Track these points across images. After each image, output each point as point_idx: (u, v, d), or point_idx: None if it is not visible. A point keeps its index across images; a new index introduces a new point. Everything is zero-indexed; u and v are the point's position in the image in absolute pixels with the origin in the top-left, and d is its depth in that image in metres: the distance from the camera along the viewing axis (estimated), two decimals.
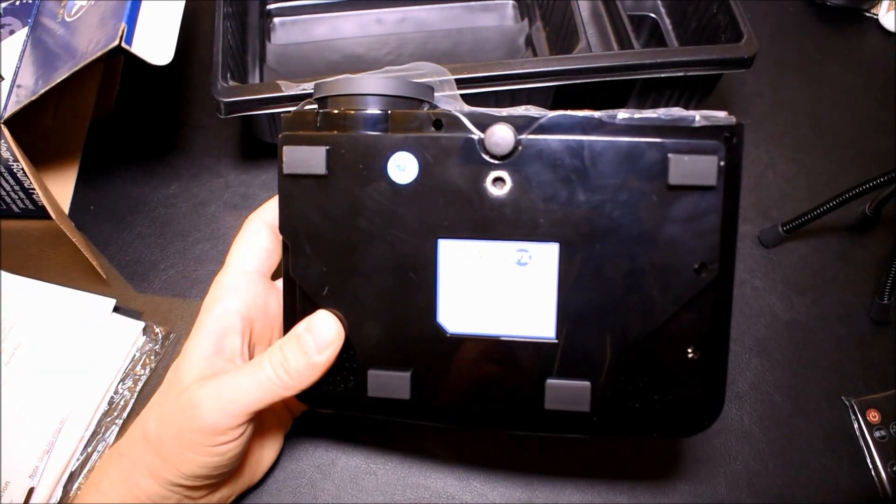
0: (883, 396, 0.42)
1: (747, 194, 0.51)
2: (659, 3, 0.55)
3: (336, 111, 0.30)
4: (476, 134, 0.29)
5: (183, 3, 0.43)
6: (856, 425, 0.42)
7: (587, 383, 0.30)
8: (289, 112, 0.31)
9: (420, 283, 0.30)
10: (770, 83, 0.57)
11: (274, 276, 0.35)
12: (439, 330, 0.30)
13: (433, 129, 0.29)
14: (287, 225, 0.31)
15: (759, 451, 0.40)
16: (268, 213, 0.35)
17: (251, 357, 0.34)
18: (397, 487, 0.39)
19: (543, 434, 0.31)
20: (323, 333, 0.30)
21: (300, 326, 0.31)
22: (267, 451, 0.38)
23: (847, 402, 0.42)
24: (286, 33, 0.57)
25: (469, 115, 0.29)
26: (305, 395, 0.31)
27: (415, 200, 0.29)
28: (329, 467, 0.40)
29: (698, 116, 0.28)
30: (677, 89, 0.48)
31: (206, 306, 0.33)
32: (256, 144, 0.50)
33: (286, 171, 0.30)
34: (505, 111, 0.29)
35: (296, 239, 0.31)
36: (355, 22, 0.57)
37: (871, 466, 0.40)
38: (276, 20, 0.57)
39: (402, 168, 0.29)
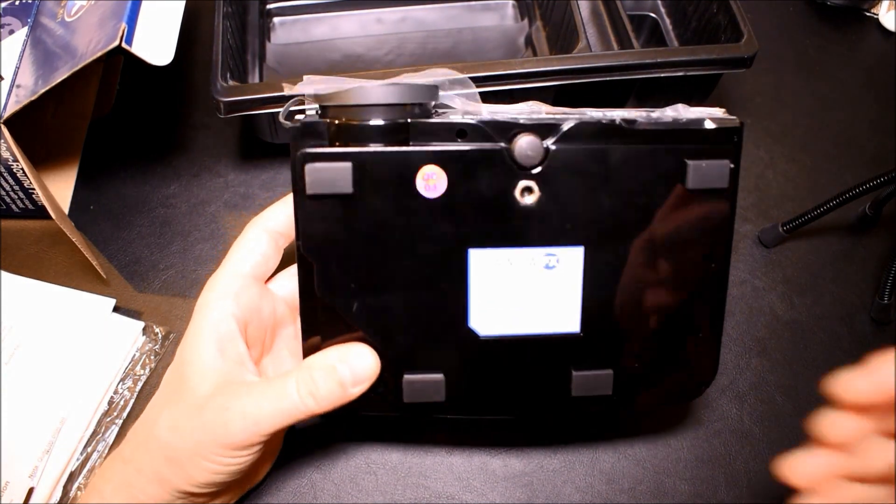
0: None
1: (747, 194, 0.51)
2: (659, 2, 0.55)
3: (353, 122, 0.29)
4: (501, 144, 0.29)
5: (183, 3, 0.43)
6: None
7: (610, 371, 0.33)
8: (297, 124, 0.29)
9: (451, 291, 0.31)
10: (770, 83, 0.57)
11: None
12: (472, 334, 0.31)
13: (457, 138, 0.29)
14: (311, 245, 0.30)
15: (759, 451, 0.40)
16: (270, 220, 0.34)
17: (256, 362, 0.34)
18: (397, 487, 0.39)
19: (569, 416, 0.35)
20: (361, 368, 0.30)
21: (333, 356, 0.30)
22: (268, 453, 0.38)
23: None
24: (286, 33, 0.57)
25: (490, 124, 0.29)
26: (340, 410, 0.31)
27: (444, 213, 0.29)
28: (329, 467, 0.40)
29: (707, 119, 0.30)
30: (677, 89, 0.48)
31: (201, 309, 0.32)
32: (256, 144, 0.50)
33: (310, 191, 0.29)
34: (516, 111, 0.30)
35: (320, 258, 0.30)
36: (355, 22, 0.57)
37: None
38: (276, 20, 0.57)
39: (431, 182, 0.29)
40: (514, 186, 0.29)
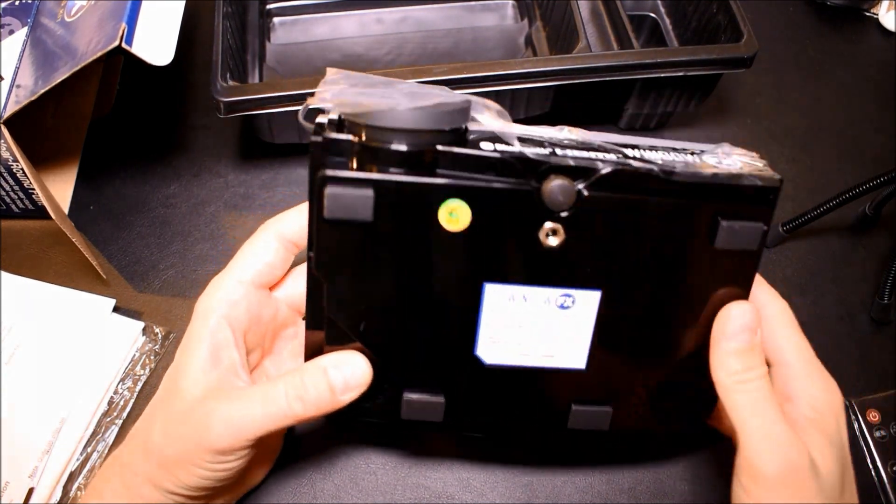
0: (883, 396, 0.42)
1: None
2: (659, 2, 0.55)
3: (379, 144, 0.27)
4: (532, 184, 0.28)
5: (183, 3, 0.43)
6: (856, 425, 0.42)
7: (609, 408, 0.33)
8: (318, 139, 0.27)
9: (462, 320, 0.30)
10: (770, 83, 0.57)
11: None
12: (477, 361, 0.31)
13: (487, 171, 0.28)
14: (324, 264, 0.29)
15: None
16: (285, 225, 0.33)
17: (251, 368, 0.33)
18: (397, 487, 0.39)
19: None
20: (353, 376, 0.30)
21: (326, 361, 0.30)
22: (266, 456, 0.38)
23: (847, 402, 0.42)
24: (286, 33, 0.57)
25: (523, 161, 0.27)
26: (335, 414, 0.31)
27: (464, 248, 0.29)
28: (329, 467, 0.40)
29: (748, 176, 0.29)
30: (677, 89, 0.48)
31: (200, 313, 0.32)
32: (256, 144, 0.50)
33: (328, 215, 0.27)
34: (549, 136, 0.29)
35: (332, 278, 0.30)
36: (355, 21, 0.57)
37: (871, 466, 0.40)
38: (276, 20, 0.57)
39: (454, 216, 0.28)
40: (540, 228, 0.29)
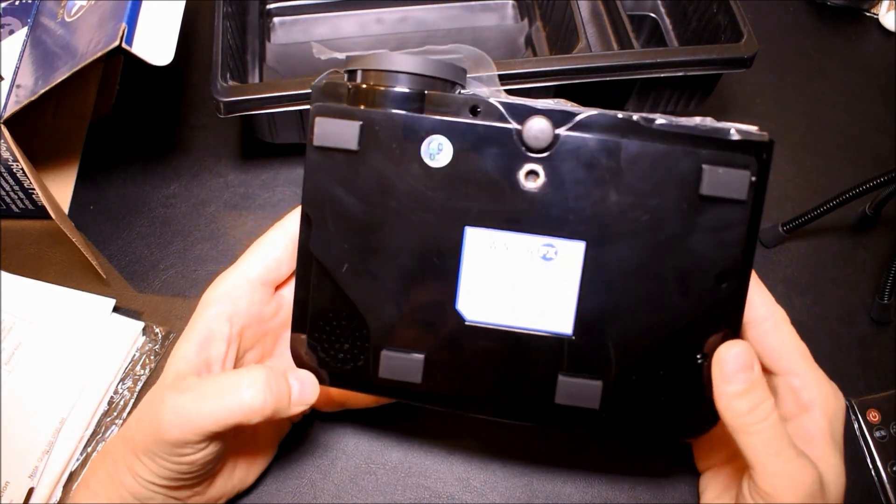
0: (883, 396, 0.42)
1: None
2: (659, 2, 0.55)
3: (368, 85, 0.29)
4: (513, 125, 0.29)
5: (183, 4, 0.43)
6: (856, 425, 0.42)
7: (599, 382, 0.30)
8: (321, 81, 0.30)
9: (443, 268, 0.30)
10: (770, 83, 0.57)
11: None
12: (458, 317, 0.31)
13: (470, 114, 0.29)
14: (311, 197, 0.30)
15: None
16: (296, 223, 0.33)
17: (237, 365, 0.33)
18: (397, 487, 0.39)
19: (550, 429, 0.32)
20: (307, 391, 0.30)
21: (285, 368, 0.31)
22: (261, 454, 0.37)
23: (847, 402, 0.42)
24: (286, 33, 0.57)
25: (506, 105, 0.29)
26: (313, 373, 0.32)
27: (446, 185, 0.29)
28: (329, 467, 0.40)
29: (733, 129, 0.29)
30: (677, 89, 0.48)
31: (201, 306, 0.33)
32: (256, 144, 0.50)
33: (316, 142, 0.30)
34: (541, 103, 0.29)
35: (319, 213, 0.30)
36: (355, 22, 0.57)
37: (871, 466, 0.41)
38: (276, 20, 0.57)
39: (437, 151, 0.29)
40: (520, 168, 0.29)
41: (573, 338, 0.30)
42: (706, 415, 0.30)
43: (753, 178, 0.29)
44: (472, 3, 0.58)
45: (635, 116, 0.29)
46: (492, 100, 0.29)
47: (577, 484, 0.39)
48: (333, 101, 0.30)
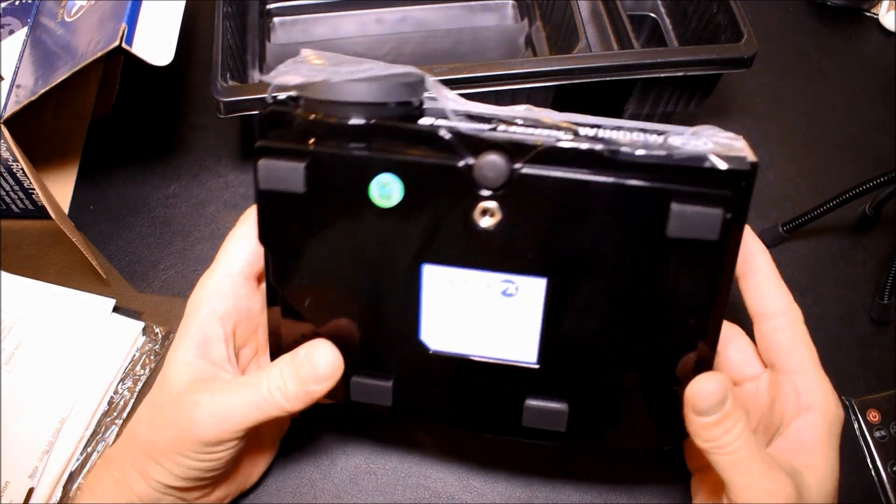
0: (883, 396, 0.42)
1: None
2: (659, 2, 0.55)
3: (315, 116, 0.27)
4: (465, 160, 0.26)
5: (183, 4, 0.43)
6: (856, 425, 0.42)
7: (565, 406, 0.30)
8: (266, 111, 0.28)
9: (403, 301, 0.29)
10: (770, 83, 0.57)
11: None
12: (422, 347, 0.30)
13: (422, 146, 0.27)
14: (266, 236, 0.29)
15: None
16: None
17: (237, 361, 0.34)
18: (397, 487, 0.39)
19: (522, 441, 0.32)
20: (322, 367, 0.30)
21: (301, 352, 0.30)
22: (263, 453, 0.38)
23: (847, 402, 0.42)
24: (286, 33, 0.57)
25: (460, 136, 0.26)
26: None
27: (398, 225, 0.28)
28: (329, 467, 0.40)
29: (712, 148, 0.26)
30: (677, 89, 0.48)
31: (190, 310, 0.32)
32: None
33: (262, 186, 0.28)
34: (511, 115, 0.28)
35: (275, 250, 0.30)
36: (355, 22, 0.57)
37: (871, 466, 0.41)
38: (276, 20, 0.57)
39: (386, 191, 0.27)
40: (474, 207, 0.27)
41: (538, 367, 0.30)
42: (677, 430, 0.30)
43: (728, 216, 0.26)
44: (472, 3, 0.58)
45: (599, 147, 0.26)
46: (443, 131, 0.26)
47: (577, 484, 0.39)
48: (280, 133, 0.27)
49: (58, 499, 0.38)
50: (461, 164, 0.26)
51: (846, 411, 0.42)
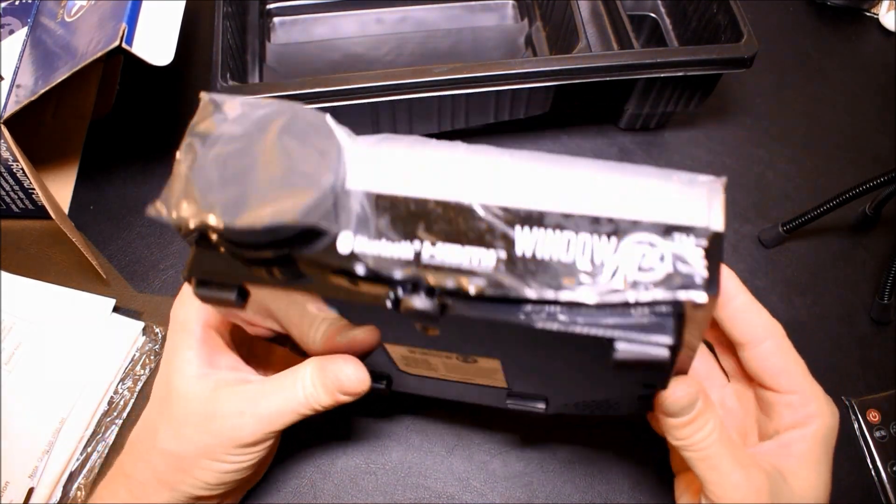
0: (883, 396, 0.42)
1: (747, 194, 0.51)
2: (659, 2, 0.55)
3: (239, 248, 0.24)
4: (391, 296, 0.23)
5: (183, 4, 0.43)
6: (856, 425, 0.42)
7: (542, 404, 0.33)
8: (192, 253, 0.25)
9: (376, 352, 0.31)
10: (770, 83, 0.57)
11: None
12: (402, 372, 0.33)
13: (344, 278, 0.24)
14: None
15: None
16: None
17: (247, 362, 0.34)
18: (397, 487, 0.39)
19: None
20: (350, 384, 0.31)
21: (330, 367, 0.31)
22: (271, 451, 0.38)
23: (847, 402, 0.42)
24: (286, 33, 0.57)
25: (376, 273, 0.23)
26: None
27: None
28: (329, 467, 0.40)
29: (622, 324, 0.22)
30: (677, 89, 0.48)
31: (181, 322, 0.32)
32: None
33: (203, 301, 0.26)
34: (429, 194, 0.23)
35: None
36: (355, 21, 0.57)
37: (871, 466, 0.41)
38: (276, 20, 0.57)
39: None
40: (412, 325, 0.25)
41: (511, 389, 0.32)
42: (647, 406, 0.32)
43: (673, 341, 0.22)
44: (472, 3, 0.58)
45: (537, 322, 0.23)
46: (359, 266, 0.23)
47: (577, 484, 0.39)
48: (208, 264, 0.25)
49: (58, 499, 0.38)
50: (387, 303, 0.23)
51: (846, 411, 0.42)
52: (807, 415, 0.30)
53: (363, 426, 0.41)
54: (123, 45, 0.39)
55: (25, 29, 0.45)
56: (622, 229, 0.23)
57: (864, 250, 0.49)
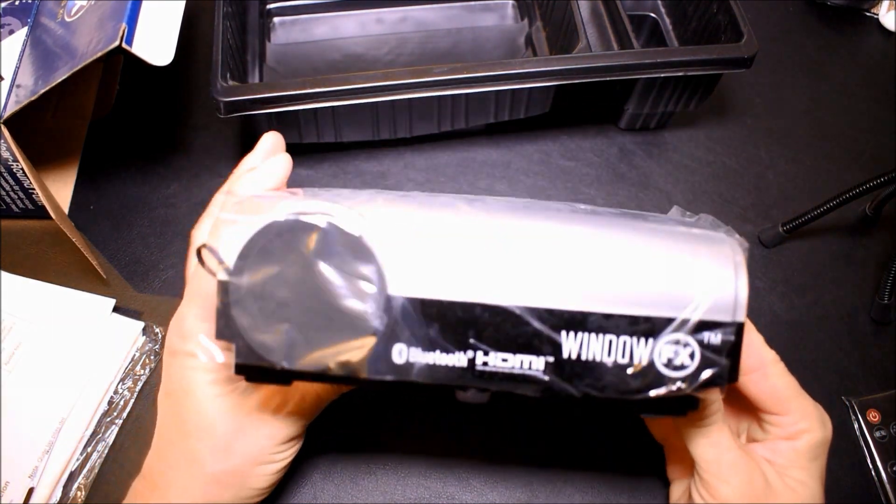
0: (883, 396, 0.42)
1: (747, 194, 0.51)
2: (659, 2, 0.55)
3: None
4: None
5: (183, 4, 0.43)
6: (856, 425, 0.42)
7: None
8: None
9: None
10: (770, 83, 0.57)
11: None
12: None
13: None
14: None
15: None
16: (203, 232, 0.32)
17: None
18: (397, 487, 0.39)
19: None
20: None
21: None
22: None
23: (847, 402, 0.42)
24: (286, 33, 0.57)
25: (435, 371, 0.25)
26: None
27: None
28: (329, 467, 0.40)
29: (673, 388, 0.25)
30: (677, 89, 0.48)
31: (175, 366, 0.31)
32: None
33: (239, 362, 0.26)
34: (488, 300, 0.24)
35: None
36: (355, 21, 0.57)
37: (871, 466, 0.41)
38: (276, 20, 0.57)
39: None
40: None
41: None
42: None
43: (698, 398, 0.27)
44: (472, 3, 0.58)
45: (575, 394, 0.25)
46: (416, 375, 0.24)
47: (577, 484, 0.39)
48: (256, 366, 0.25)
49: (58, 499, 0.38)
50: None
51: (846, 411, 0.42)
52: (797, 430, 0.31)
53: (363, 426, 0.41)
54: (123, 45, 0.39)
55: (25, 29, 0.45)
56: (658, 327, 0.24)
57: (864, 250, 0.49)
